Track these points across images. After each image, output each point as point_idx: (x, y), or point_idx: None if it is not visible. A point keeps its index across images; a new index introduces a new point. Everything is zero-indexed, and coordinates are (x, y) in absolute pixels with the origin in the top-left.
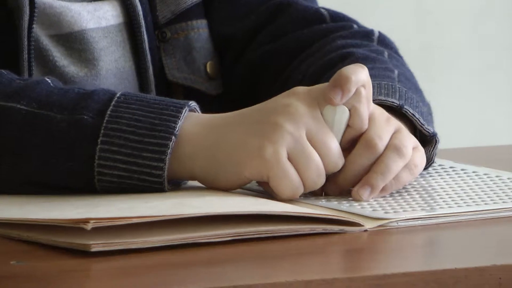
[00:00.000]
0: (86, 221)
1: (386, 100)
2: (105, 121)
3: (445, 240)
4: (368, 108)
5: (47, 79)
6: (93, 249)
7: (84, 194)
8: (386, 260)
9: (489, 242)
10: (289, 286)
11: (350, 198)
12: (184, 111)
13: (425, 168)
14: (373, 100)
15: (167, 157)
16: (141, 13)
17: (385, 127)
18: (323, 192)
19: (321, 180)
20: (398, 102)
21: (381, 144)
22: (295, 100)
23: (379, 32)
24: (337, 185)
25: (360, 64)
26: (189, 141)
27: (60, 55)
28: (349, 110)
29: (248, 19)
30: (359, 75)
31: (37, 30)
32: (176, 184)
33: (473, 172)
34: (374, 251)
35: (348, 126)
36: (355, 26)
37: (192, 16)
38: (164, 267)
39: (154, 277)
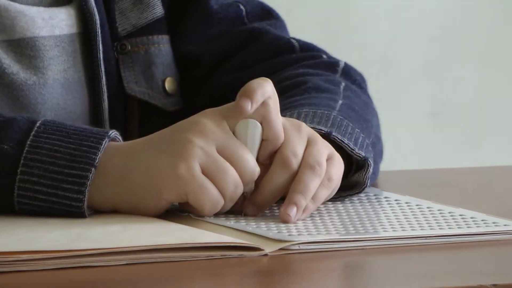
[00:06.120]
0: None
1: (313, 128)
2: (24, 151)
3: (357, 264)
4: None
5: None
6: None
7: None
8: (299, 282)
9: (404, 266)
10: None
11: (262, 220)
12: (104, 142)
13: (358, 192)
14: None
15: (87, 189)
16: (98, 22)
17: (299, 141)
18: (242, 213)
19: (239, 190)
20: (326, 130)
21: (296, 161)
22: (204, 118)
23: (345, 63)
24: (255, 204)
25: (265, 78)
26: (108, 172)
27: (9, 62)
28: (261, 124)
29: (219, 42)
30: (265, 87)
31: None
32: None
33: (395, 200)
34: (291, 272)
35: (263, 140)
36: (324, 56)
37: (154, 31)
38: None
39: None
